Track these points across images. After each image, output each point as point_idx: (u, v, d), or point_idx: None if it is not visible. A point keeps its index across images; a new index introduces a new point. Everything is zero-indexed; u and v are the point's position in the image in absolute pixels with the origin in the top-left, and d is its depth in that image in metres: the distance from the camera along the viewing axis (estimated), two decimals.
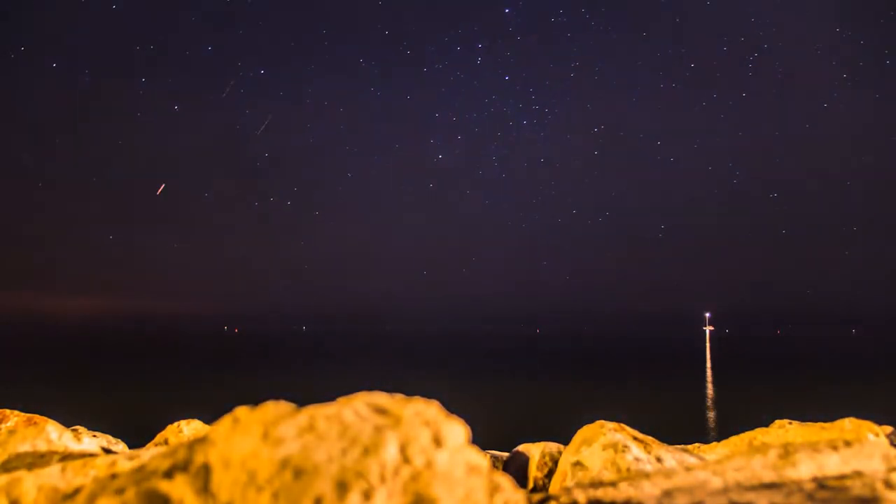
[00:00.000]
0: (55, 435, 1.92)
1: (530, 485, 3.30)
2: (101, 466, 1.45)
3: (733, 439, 3.34)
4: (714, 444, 3.42)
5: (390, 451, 1.04)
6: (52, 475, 1.41)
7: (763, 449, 1.44)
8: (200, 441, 1.12)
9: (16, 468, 1.59)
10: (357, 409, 1.14)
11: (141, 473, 1.12)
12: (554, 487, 2.89)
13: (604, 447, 2.46)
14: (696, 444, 3.57)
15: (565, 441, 3.18)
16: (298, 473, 0.98)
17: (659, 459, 2.38)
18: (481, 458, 1.13)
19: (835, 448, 1.43)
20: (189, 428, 3.85)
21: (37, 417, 3.52)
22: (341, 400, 1.19)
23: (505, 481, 1.13)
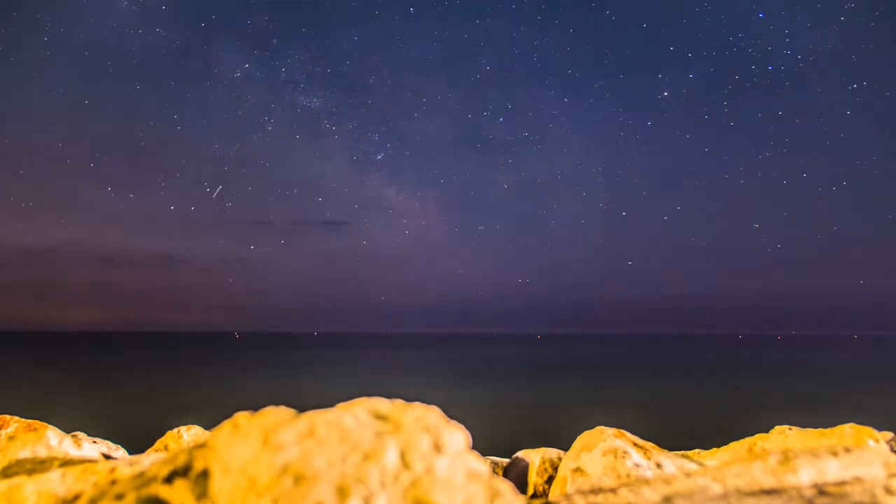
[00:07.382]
0: (55, 441, 1.91)
1: (530, 491, 3.29)
2: (100, 472, 1.45)
3: (733, 445, 3.34)
4: (714, 449, 3.41)
5: (390, 457, 1.04)
6: (51, 481, 1.41)
7: (763, 455, 1.44)
8: (200, 447, 1.12)
9: (16, 474, 1.59)
10: (357, 414, 1.14)
11: (141, 479, 1.12)
12: (554, 493, 2.88)
13: (604, 453, 2.45)
14: (696, 450, 3.57)
15: (565, 447, 3.17)
16: (298, 479, 0.98)
17: (659, 465, 2.37)
18: (481, 464, 1.13)
19: (835, 454, 1.43)
20: (189, 434, 3.84)
21: (37, 423, 3.52)
22: (341, 405, 1.19)
23: (505, 487, 1.13)
